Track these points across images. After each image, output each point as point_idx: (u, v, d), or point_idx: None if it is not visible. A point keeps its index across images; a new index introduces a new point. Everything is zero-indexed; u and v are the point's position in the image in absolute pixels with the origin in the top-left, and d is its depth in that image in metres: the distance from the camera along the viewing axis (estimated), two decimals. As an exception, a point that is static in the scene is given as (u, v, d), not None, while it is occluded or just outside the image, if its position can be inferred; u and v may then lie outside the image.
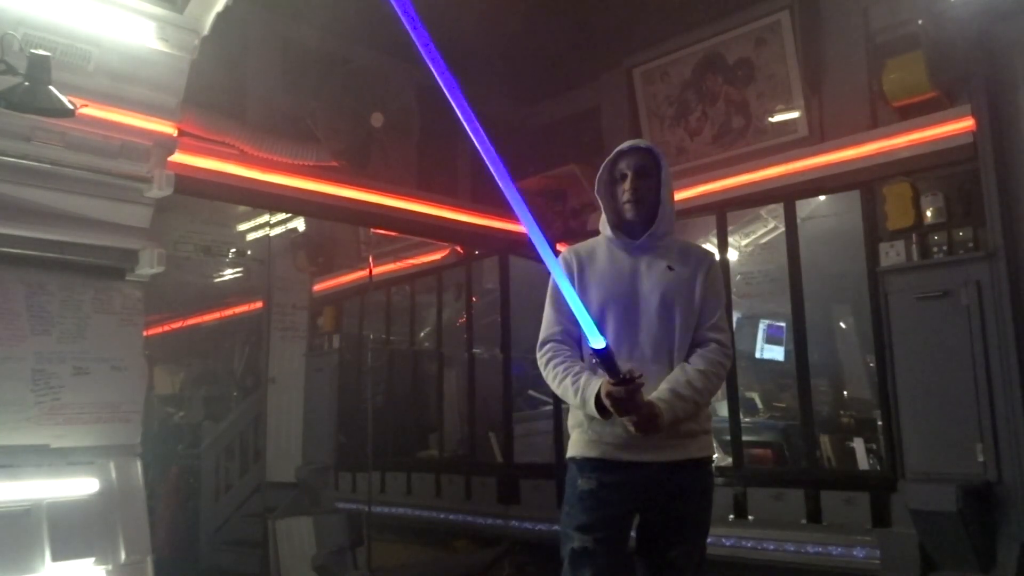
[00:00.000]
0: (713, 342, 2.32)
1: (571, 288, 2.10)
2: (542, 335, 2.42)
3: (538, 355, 2.41)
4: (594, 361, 2.14)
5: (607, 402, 2.14)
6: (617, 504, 2.27)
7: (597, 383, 2.18)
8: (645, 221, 2.39)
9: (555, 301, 2.41)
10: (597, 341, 2.05)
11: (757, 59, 5.23)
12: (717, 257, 2.51)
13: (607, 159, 2.46)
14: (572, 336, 2.37)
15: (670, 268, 2.35)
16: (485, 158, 1.84)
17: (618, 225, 2.44)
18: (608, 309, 2.30)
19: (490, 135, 2.03)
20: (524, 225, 1.95)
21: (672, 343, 2.31)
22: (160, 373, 9.78)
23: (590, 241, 2.52)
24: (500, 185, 1.87)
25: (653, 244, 2.40)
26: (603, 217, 2.47)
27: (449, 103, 1.75)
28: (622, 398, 2.10)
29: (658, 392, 2.20)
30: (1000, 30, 4.22)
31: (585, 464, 2.30)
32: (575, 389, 2.25)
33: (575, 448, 2.35)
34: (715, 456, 2.26)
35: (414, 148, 5.99)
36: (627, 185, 2.39)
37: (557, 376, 2.32)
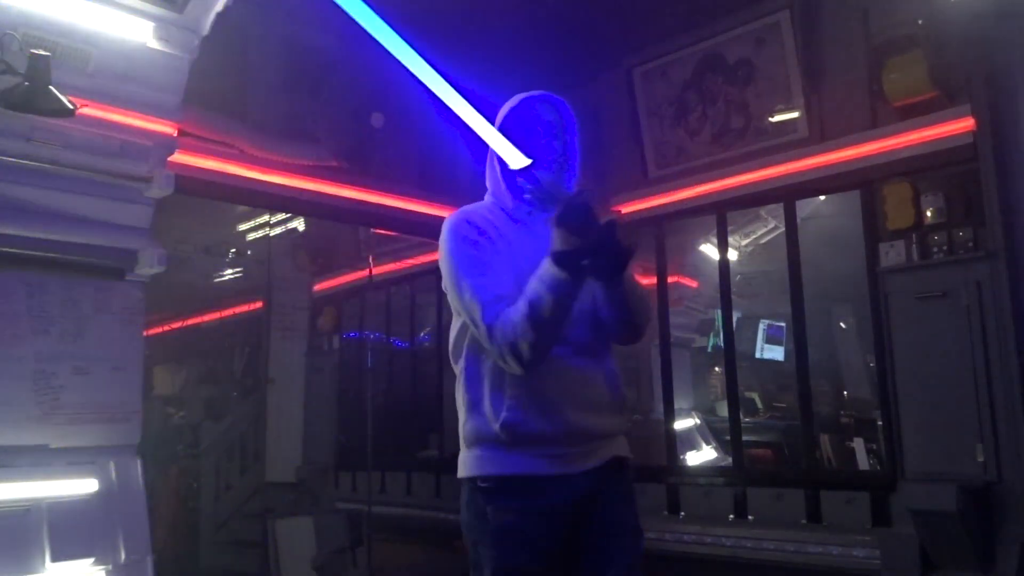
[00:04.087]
0: None
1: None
2: (479, 300, 1.76)
3: (482, 326, 1.73)
4: (526, 196, 1.61)
5: (560, 237, 1.61)
6: (546, 532, 1.80)
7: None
8: (558, 185, 1.92)
9: (477, 264, 1.82)
10: (518, 160, 1.59)
11: (757, 59, 5.22)
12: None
13: (515, 103, 1.95)
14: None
15: None
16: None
17: (517, 188, 1.92)
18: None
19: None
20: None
21: (603, 324, 1.88)
22: (160, 373, 9.81)
23: (477, 210, 1.97)
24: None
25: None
26: (498, 180, 1.93)
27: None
28: (580, 213, 1.58)
29: None
30: (1000, 30, 4.22)
31: (498, 490, 1.80)
32: (536, 280, 1.69)
33: (480, 465, 1.83)
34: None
35: (414, 148, 5.99)
36: (556, 143, 1.92)
37: (520, 306, 1.70)
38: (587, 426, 1.83)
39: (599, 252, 1.62)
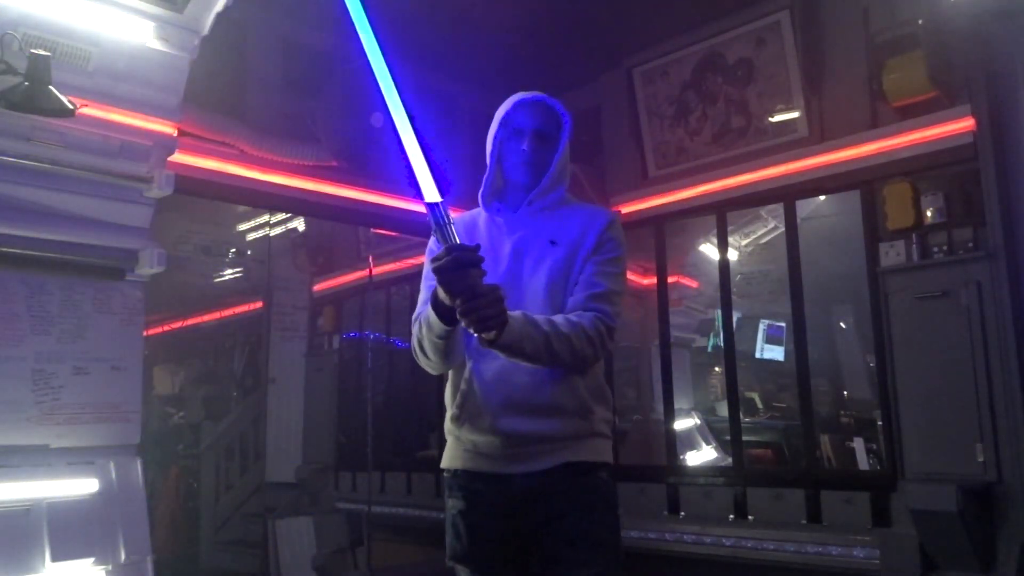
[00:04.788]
0: (594, 311, 1.87)
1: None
2: (418, 303, 1.98)
3: (412, 335, 1.95)
4: (433, 231, 1.68)
5: (437, 282, 1.67)
6: (489, 527, 1.91)
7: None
8: (532, 188, 2.01)
9: (426, 272, 1.97)
10: (431, 194, 1.62)
11: (757, 59, 5.22)
12: (613, 215, 2.08)
13: (504, 110, 2.04)
14: None
15: (553, 243, 1.95)
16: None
17: (499, 191, 2.06)
18: None
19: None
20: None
21: None
22: (160, 373, 9.80)
23: (470, 214, 2.09)
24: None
25: (534, 216, 2.00)
26: (484, 183, 2.05)
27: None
28: (450, 266, 1.61)
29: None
30: (1000, 30, 4.22)
31: (453, 481, 1.98)
32: (423, 315, 1.84)
33: (445, 459, 2.00)
34: (609, 462, 1.97)
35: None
36: (524, 144, 1.98)
37: (415, 329, 1.91)
38: (517, 429, 1.86)
39: (461, 311, 1.66)
